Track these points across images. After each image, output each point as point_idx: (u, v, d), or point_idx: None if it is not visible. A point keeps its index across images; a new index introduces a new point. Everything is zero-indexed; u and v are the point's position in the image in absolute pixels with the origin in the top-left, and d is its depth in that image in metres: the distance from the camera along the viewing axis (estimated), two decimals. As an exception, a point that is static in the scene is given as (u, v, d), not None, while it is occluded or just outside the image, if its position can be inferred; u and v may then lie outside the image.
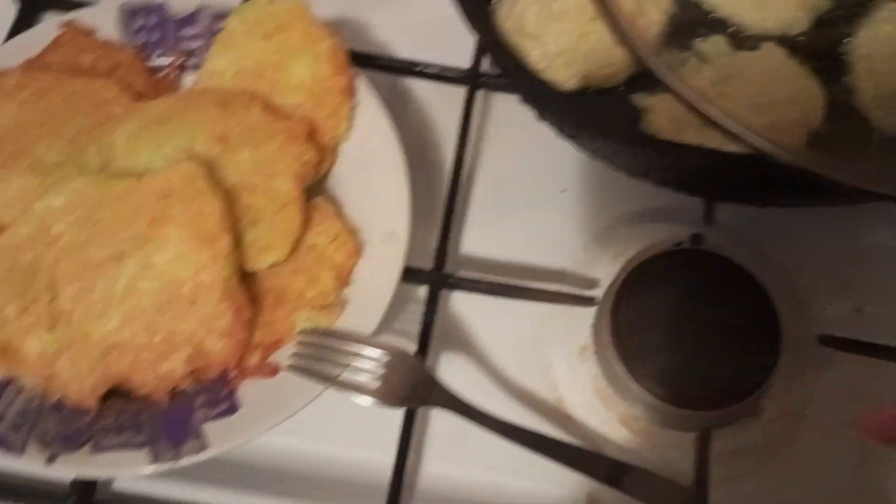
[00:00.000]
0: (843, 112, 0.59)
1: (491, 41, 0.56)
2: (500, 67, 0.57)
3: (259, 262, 0.48)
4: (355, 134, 0.54)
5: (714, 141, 0.55)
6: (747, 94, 0.57)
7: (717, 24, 0.61)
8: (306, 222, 0.49)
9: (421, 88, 0.66)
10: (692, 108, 0.48)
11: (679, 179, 0.54)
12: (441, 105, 0.65)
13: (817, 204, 0.55)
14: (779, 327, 0.54)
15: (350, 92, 0.54)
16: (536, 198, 0.64)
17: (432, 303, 0.55)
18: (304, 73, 0.53)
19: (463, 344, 0.59)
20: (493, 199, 0.64)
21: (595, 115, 0.57)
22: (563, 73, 0.59)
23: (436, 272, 0.56)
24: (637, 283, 0.56)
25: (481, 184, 0.64)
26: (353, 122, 0.54)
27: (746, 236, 0.61)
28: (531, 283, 0.59)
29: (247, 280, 0.48)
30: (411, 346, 0.54)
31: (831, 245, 0.62)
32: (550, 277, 0.61)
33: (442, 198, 0.60)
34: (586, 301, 0.56)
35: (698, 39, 0.60)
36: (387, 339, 0.57)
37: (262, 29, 0.54)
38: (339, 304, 0.49)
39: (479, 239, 0.63)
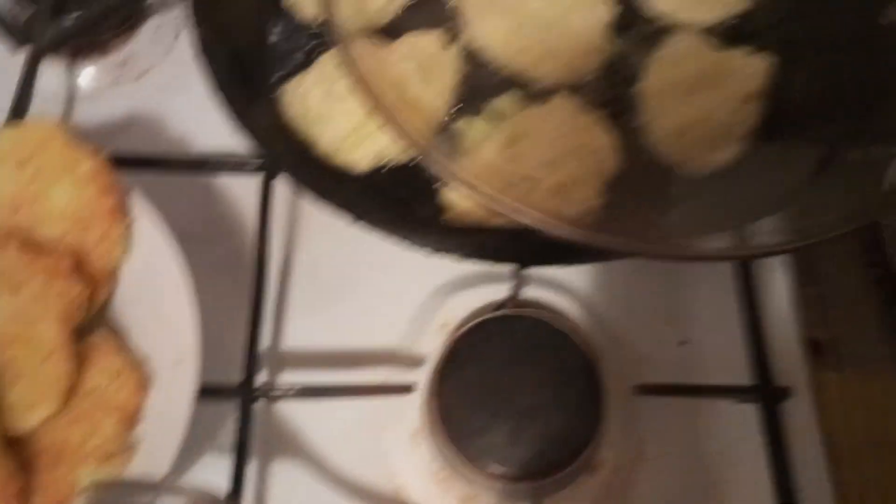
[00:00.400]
0: (637, 157, 0.59)
1: (260, 137, 0.53)
2: (280, 162, 0.55)
3: (27, 421, 0.44)
4: (135, 255, 0.51)
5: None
6: (539, 151, 0.57)
7: (509, 83, 0.61)
8: (81, 365, 0.46)
9: (220, 183, 0.63)
10: (468, 191, 0.47)
11: (479, 253, 0.53)
12: (243, 198, 0.62)
13: (618, 258, 0.55)
14: (599, 381, 0.54)
15: (120, 212, 0.50)
16: (356, 279, 0.62)
17: (245, 418, 0.52)
18: (66, 200, 0.49)
19: (293, 448, 0.56)
20: (312, 288, 0.62)
21: (386, 196, 0.55)
22: (355, 154, 0.58)
23: (245, 386, 0.53)
24: (456, 358, 0.54)
25: (298, 273, 0.62)
26: (130, 243, 0.51)
27: (565, 289, 0.61)
28: (354, 374, 0.57)
29: (16, 443, 0.44)
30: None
31: (649, 283, 0.63)
32: (380, 359, 0.59)
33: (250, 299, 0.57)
34: (405, 390, 0.54)
35: (490, 100, 0.60)
36: (208, 458, 0.54)
37: (15, 157, 0.50)
38: (128, 449, 0.45)
39: (303, 330, 0.60)
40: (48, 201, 0.49)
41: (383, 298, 0.61)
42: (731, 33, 0.63)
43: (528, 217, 0.44)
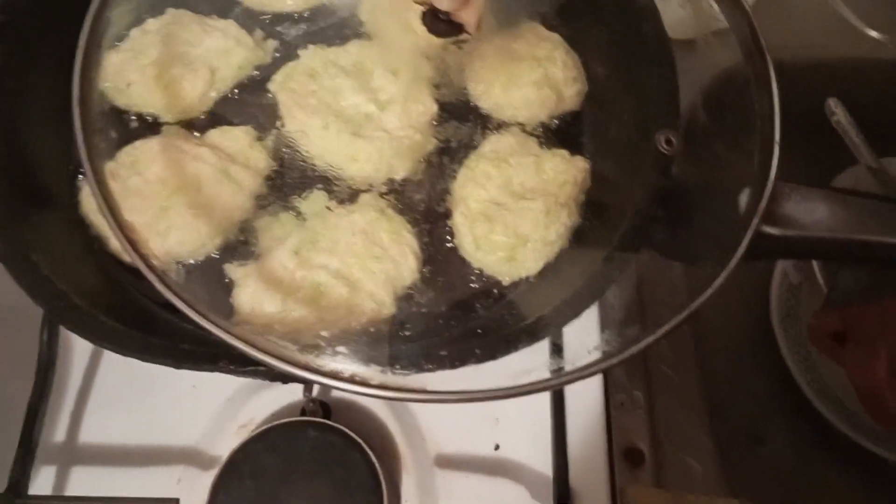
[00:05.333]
0: (443, 266, 0.58)
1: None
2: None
3: None
4: None
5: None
6: (336, 256, 0.55)
7: (316, 182, 0.59)
8: None
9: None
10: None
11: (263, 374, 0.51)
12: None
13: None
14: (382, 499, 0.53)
15: None
16: (164, 377, 0.60)
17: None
18: None
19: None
20: (118, 384, 0.61)
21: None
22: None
23: (9, 493, 0.51)
24: (235, 469, 0.54)
25: (105, 369, 0.62)
26: None
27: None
28: (147, 473, 0.57)
29: None
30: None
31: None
32: (178, 458, 0.59)
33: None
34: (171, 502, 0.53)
35: (295, 199, 0.58)
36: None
37: None
38: None
39: (103, 426, 0.60)
40: None
41: (189, 395, 0.60)
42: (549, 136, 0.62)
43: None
